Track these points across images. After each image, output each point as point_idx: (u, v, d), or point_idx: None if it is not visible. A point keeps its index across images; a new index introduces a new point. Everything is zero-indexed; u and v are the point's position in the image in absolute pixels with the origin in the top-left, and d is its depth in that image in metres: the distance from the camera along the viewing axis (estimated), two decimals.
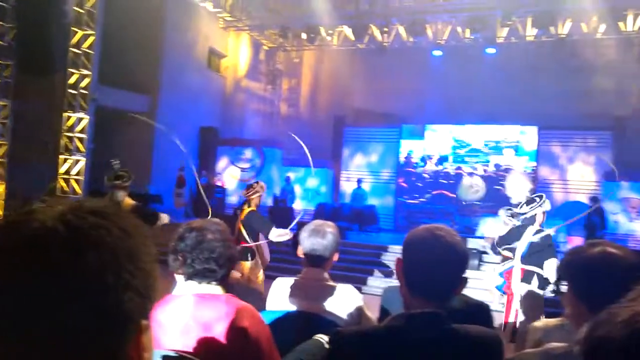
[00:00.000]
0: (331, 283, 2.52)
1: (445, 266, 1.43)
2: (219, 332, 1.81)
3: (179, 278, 2.03)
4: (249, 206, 6.03)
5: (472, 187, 6.74)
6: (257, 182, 6.23)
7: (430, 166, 16.99)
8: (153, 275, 0.68)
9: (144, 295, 0.65)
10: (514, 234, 5.54)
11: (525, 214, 5.46)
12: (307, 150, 6.39)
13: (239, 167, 17.67)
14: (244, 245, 5.78)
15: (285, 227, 14.16)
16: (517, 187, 5.84)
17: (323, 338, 1.71)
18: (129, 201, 5.48)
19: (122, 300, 0.62)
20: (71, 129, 13.35)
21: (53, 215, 0.63)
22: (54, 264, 0.59)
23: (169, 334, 1.85)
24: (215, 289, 1.93)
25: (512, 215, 6.34)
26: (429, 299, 1.43)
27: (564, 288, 1.70)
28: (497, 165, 16.25)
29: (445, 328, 1.42)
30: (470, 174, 10.82)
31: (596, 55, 17.14)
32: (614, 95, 16.30)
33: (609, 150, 14.94)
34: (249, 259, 5.79)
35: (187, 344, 1.82)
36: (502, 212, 6.30)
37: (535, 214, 5.43)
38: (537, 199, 5.50)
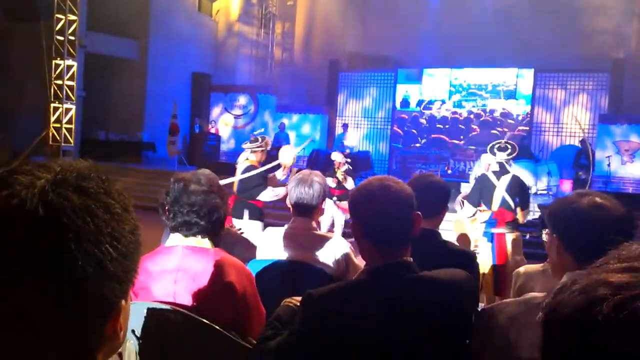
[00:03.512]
0: (319, 232, 2.54)
1: (398, 210, 1.45)
2: (206, 285, 1.83)
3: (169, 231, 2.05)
4: None
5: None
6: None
7: (426, 111, 16.87)
8: (134, 258, 0.66)
9: (123, 280, 0.64)
10: None
11: None
12: None
13: (232, 114, 17.50)
14: None
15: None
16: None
17: (292, 301, 1.72)
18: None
19: (100, 289, 0.60)
20: (60, 76, 13.11)
21: (34, 192, 0.59)
22: (28, 251, 0.56)
23: (159, 284, 1.88)
24: (202, 241, 1.93)
25: None
26: (393, 247, 1.45)
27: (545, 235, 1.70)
28: (492, 111, 16.14)
29: (412, 276, 1.44)
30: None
31: None
32: (612, 37, 16.00)
33: (605, 92, 14.81)
34: None
35: (176, 294, 1.86)
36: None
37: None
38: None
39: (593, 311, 0.50)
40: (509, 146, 5.51)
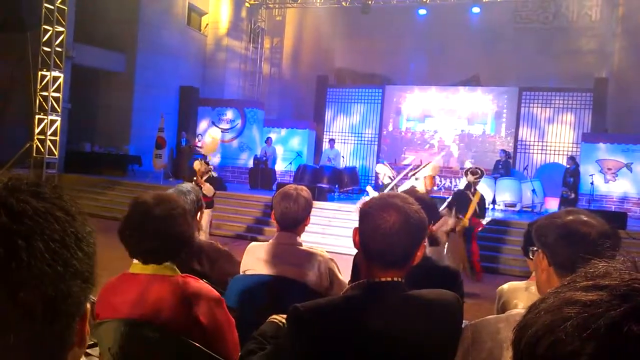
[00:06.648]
0: (303, 247, 2.52)
1: (400, 234, 1.41)
2: (169, 318, 1.73)
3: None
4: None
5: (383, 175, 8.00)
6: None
7: (412, 127, 16.96)
8: (95, 259, 0.66)
9: (89, 279, 0.63)
10: None
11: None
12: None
13: (219, 128, 17.47)
14: None
15: (266, 188, 14.01)
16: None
17: (277, 318, 1.68)
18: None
19: (71, 289, 0.60)
20: (46, 88, 13.01)
21: None
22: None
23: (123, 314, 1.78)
24: (165, 268, 1.81)
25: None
26: (387, 267, 1.42)
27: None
28: (470, 131, 16.28)
29: (403, 295, 1.43)
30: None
31: (580, 15, 17.07)
32: (595, 56, 16.30)
33: (589, 111, 15.01)
34: None
35: None
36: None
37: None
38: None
39: (557, 330, 0.50)
40: (479, 171, 7.65)
